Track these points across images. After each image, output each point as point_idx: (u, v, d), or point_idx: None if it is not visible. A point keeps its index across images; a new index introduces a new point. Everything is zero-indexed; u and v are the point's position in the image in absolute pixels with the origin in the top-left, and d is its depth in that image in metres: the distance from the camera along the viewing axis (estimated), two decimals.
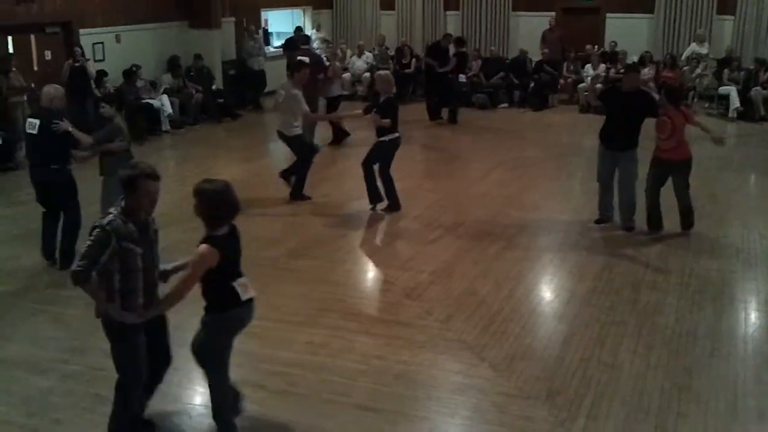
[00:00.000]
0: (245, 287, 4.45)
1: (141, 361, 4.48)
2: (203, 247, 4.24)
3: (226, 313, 4.42)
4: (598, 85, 13.69)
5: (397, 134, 9.39)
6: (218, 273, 4.27)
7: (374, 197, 9.43)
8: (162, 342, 4.69)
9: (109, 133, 7.71)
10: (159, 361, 4.70)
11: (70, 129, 7.35)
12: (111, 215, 4.25)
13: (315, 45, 18.09)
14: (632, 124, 8.22)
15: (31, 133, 7.42)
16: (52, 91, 7.52)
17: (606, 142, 8.49)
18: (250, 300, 4.49)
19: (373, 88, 17.25)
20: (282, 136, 9.90)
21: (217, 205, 4.29)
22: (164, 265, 4.59)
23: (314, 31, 19.31)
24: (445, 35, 16.14)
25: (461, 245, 8.22)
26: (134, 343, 4.41)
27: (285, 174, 10.02)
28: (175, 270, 4.60)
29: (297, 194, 9.82)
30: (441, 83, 15.16)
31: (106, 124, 7.83)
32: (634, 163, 8.36)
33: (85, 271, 4.21)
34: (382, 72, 10.45)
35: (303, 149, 9.88)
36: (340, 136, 13.23)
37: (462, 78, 15.99)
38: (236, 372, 5.02)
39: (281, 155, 12.75)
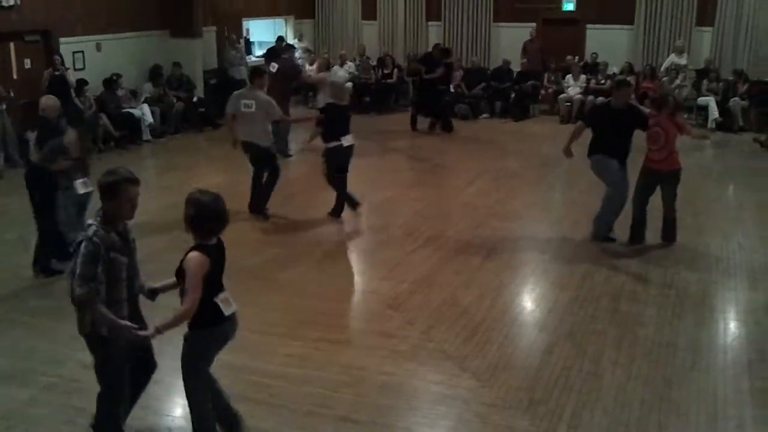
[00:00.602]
0: (227, 302, 4.40)
1: (124, 373, 4.43)
2: (195, 254, 4.19)
3: (209, 329, 4.37)
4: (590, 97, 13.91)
5: (339, 142, 9.24)
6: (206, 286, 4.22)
7: (350, 203, 9.43)
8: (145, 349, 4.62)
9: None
10: (142, 369, 4.64)
11: None
12: (93, 226, 4.17)
13: (297, 54, 18.13)
14: (625, 139, 8.24)
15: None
16: (43, 101, 7.66)
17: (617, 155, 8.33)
18: (233, 314, 4.45)
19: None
20: (253, 148, 9.41)
21: (209, 217, 4.24)
22: (151, 284, 4.53)
23: (296, 40, 19.30)
24: (436, 45, 16.11)
25: (443, 255, 8.23)
26: (117, 354, 4.33)
27: (257, 205, 9.62)
28: (164, 289, 4.50)
29: (261, 208, 9.52)
30: (430, 93, 15.17)
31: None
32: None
33: (90, 292, 4.10)
34: (336, 80, 10.30)
35: (274, 161, 9.58)
36: None
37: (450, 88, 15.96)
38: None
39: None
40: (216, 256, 4.31)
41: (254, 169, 9.59)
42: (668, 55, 16.85)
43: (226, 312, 4.37)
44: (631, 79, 15.49)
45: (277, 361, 5.85)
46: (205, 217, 4.23)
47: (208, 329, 4.36)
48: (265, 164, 9.54)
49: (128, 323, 4.23)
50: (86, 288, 4.08)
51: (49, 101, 7.66)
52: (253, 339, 6.14)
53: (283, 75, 12.88)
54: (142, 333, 4.22)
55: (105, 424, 4.53)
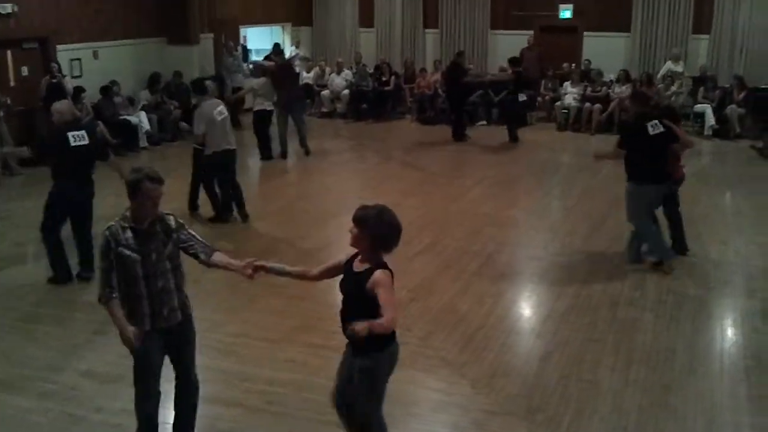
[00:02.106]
0: None
1: (148, 367, 4.42)
2: (386, 273, 3.99)
3: (386, 350, 4.12)
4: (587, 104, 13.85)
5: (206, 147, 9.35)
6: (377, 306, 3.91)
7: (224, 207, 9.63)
8: (183, 366, 4.60)
9: None
10: (181, 390, 4.64)
11: None
12: (112, 222, 4.27)
13: (296, 62, 18.24)
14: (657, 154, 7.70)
15: None
16: (55, 106, 7.60)
17: (649, 177, 7.69)
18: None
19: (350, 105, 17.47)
20: (234, 154, 9.56)
21: (391, 233, 4.07)
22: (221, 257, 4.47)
23: (293, 47, 19.36)
24: (459, 53, 16.04)
25: (441, 262, 8.23)
26: (141, 348, 4.33)
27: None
28: (224, 266, 4.45)
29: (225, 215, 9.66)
30: (462, 101, 15.26)
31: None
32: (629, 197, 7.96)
33: (103, 288, 4.26)
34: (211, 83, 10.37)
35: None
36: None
37: (522, 97, 15.77)
38: (216, 389, 5.01)
39: (257, 172, 12.78)
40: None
41: (225, 175, 9.59)
42: (665, 63, 16.91)
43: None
44: (627, 87, 15.66)
45: (276, 366, 5.84)
46: (383, 229, 4.07)
47: (385, 350, 4.10)
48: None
49: (125, 332, 4.24)
50: (100, 286, 4.29)
51: (55, 107, 7.59)
52: (252, 345, 6.15)
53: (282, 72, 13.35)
54: (133, 341, 4.25)
55: (137, 412, 4.53)
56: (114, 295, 4.27)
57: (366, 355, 4.07)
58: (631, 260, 8.05)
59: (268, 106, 13.11)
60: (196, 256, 4.44)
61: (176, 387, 4.65)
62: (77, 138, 7.36)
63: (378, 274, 3.98)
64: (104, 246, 4.22)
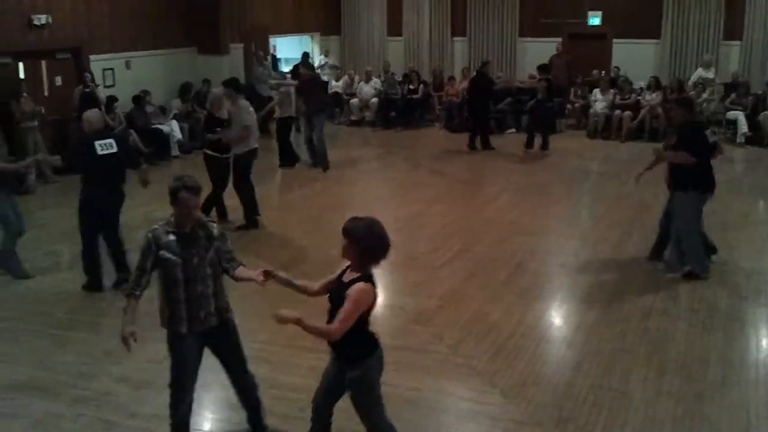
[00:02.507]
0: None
1: (184, 370, 4.55)
2: (366, 286, 4.04)
3: (373, 355, 4.26)
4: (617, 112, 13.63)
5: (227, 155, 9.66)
6: (360, 318, 4.09)
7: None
8: (229, 368, 4.77)
9: None
10: (237, 391, 4.84)
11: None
12: (157, 224, 4.44)
13: (325, 71, 18.41)
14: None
15: None
16: (85, 115, 7.74)
17: (710, 185, 7.74)
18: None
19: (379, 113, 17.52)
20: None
21: (376, 241, 4.11)
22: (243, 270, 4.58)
23: (322, 56, 19.49)
24: (485, 63, 16.02)
25: (470, 270, 8.21)
26: (179, 351, 4.51)
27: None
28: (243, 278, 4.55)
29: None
30: (485, 111, 15.21)
31: None
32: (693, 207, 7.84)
33: (132, 282, 4.48)
34: (215, 91, 10.55)
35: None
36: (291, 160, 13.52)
37: (550, 104, 15.62)
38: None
39: (284, 180, 12.84)
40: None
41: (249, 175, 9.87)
42: (695, 69, 16.75)
43: (378, 340, 4.32)
44: (657, 94, 15.54)
45: (300, 373, 5.85)
46: (377, 247, 4.11)
47: (369, 360, 4.23)
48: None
49: (126, 328, 4.42)
50: (132, 279, 4.49)
51: (85, 116, 7.73)
52: (277, 352, 6.17)
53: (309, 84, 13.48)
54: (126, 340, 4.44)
55: (171, 415, 4.62)
56: (137, 293, 4.45)
57: (353, 364, 4.17)
58: (673, 268, 7.98)
59: (291, 113, 13.36)
60: (226, 271, 4.57)
61: (233, 387, 4.87)
62: (105, 147, 7.45)
63: (356, 286, 4.03)
64: (145, 247, 4.38)
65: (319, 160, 13.19)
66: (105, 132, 7.85)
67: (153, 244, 4.36)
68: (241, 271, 4.57)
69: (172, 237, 4.36)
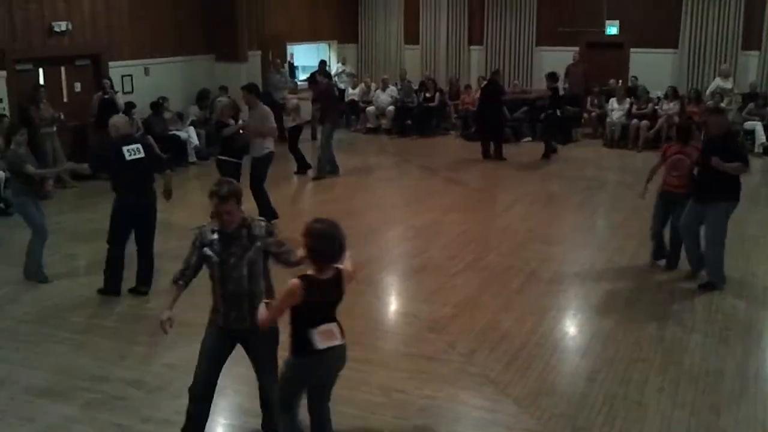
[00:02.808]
0: (325, 335, 4.29)
1: (200, 360, 4.68)
2: (294, 282, 4.18)
3: (297, 359, 4.34)
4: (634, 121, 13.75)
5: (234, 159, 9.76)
6: (297, 316, 4.24)
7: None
8: (258, 374, 4.83)
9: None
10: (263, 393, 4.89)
11: None
12: (207, 222, 4.72)
13: (343, 77, 18.49)
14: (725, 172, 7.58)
15: None
16: (112, 120, 7.77)
17: (739, 194, 7.74)
18: (328, 350, 4.31)
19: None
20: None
21: (321, 243, 4.22)
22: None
23: (340, 64, 19.56)
24: (495, 71, 16.08)
25: (485, 278, 8.19)
26: (204, 338, 4.73)
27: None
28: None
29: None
30: (497, 120, 15.17)
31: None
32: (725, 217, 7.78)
33: (178, 272, 4.69)
34: (222, 100, 10.76)
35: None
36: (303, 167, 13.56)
37: (558, 113, 15.56)
38: (255, 402, 5.03)
39: (305, 185, 12.88)
40: (323, 290, 4.26)
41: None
42: (713, 79, 16.67)
43: (318, 345, 4.25)
44: (675, 103, 15.47)
45: None
46: (324, 249, 4.23)
47: (297, 358, 4.33)
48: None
49: (163, 313, 4.64)
50: (177, 271, 4.69)
51: (112, 121, 7.76)
52: (284, 356, 6.15)
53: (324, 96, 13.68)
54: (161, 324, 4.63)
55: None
56: (180, 282, 4.67)
57: (290, 352, 4.36)
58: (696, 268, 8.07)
59: (299, 121, 13.66)
60: (286, 263, 4.72)
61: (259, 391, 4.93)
62: (132, 152, 7.47)
63: (291, 281, 4.22)
64: (192, 243, 4.66)
65: (320, 168, 13.13)
66: (130, 137, 7.85)
67: (198, 241, 4.60)
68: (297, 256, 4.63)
69: (215, 236, 4.55)
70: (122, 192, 7.53)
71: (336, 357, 4.42)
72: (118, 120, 7.80)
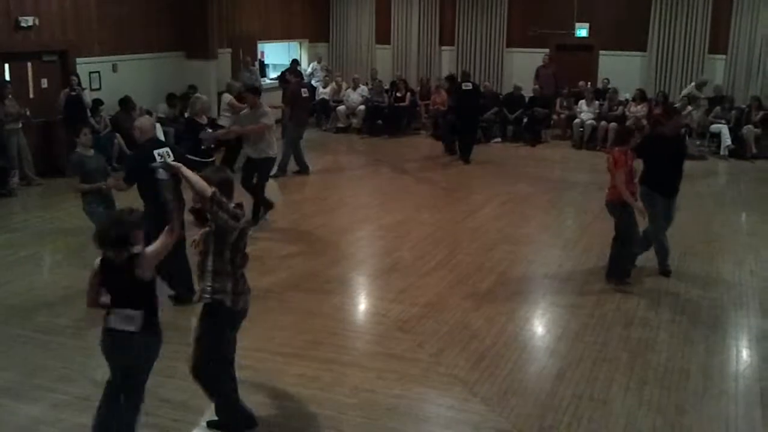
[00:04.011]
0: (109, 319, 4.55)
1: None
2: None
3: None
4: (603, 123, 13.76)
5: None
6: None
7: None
8: None
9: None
10: None
11: None
12: None
13: (320, 74, 18.52)
14: (681, 168, 8.08)
15: None
16: (138, 123, 7.41)
17: (662, 188, 7.99)
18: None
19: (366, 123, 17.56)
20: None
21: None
22: None
23: (315, 63, 19.60)
24: (464, 72, 16.36)
25: (454, 278, 8.22)
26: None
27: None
28: None
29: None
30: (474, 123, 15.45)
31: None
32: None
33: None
34: (201, 97, 10.75)
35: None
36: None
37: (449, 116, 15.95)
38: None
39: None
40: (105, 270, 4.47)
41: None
42: (681, 82, 16.93)
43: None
44: (643, 106, 15.66)
45: (286, 381, 5.85)
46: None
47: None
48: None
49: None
50: None
51: (137, 123, 7.38)
52: (263, 358, 6.15)
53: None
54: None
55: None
56: None
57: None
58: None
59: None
60: None
61: None
62: (163, 156, 6.82)
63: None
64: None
65: (280, 166, 12.83)
66: (159, 141, 7.38)
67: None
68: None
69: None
70: (154, 199, 6.77)
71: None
72: (143, 122, 7.33)
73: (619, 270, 8.00)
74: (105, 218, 4.75)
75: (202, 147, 9.63)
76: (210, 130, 9.67)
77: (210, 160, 9.66)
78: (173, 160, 7.06)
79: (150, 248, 4.50)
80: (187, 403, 5.41)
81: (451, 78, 15.95)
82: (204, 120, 9.91)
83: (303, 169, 13.32)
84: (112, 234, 4.37)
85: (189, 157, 9.54)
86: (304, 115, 13.77)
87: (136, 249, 4.43)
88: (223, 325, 4.85)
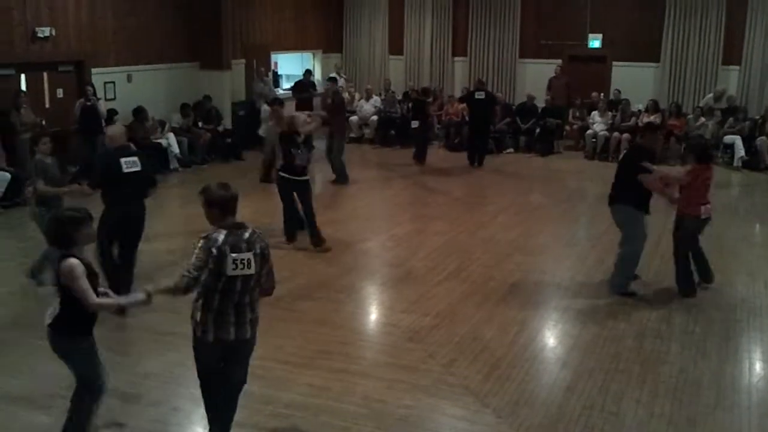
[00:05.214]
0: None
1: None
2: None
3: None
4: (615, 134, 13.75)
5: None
6: None
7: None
8: None
9: None
10: None
11: None
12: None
13: (341, 84, 18.71)
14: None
15: None
16: (108, 131, 7.76)
17: (647, 207, 7.98)
18: None
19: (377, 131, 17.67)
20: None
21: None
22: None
23: (335, 74, 19.61)
24: (478, 80, 16.59)
25: (466, 289, 8.21)
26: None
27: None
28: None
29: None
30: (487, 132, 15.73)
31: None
32: None
33: None
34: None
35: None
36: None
37: (414, 123, 16.19)
38: (237, 413, 5.00)
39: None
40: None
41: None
42: (695, 94, 16.90)
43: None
44: (656, 117, 15.60)
45: (296, 390, 5.85)
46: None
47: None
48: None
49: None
50: None
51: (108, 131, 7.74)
52: (273, 368, 6.16)
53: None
54: None
55: None
56: None
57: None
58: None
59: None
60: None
61: None
62: (130, 164, 7.14)
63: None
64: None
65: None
66: (129, 149, 7.53)
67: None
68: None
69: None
70: (115, 205, 7.17)
71: None
72: (114, 130, 7.58)
73: (687, 281, 8.01)
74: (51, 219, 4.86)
75: (296, 163, 9.40)
76: (301, 150, 9.40)
77: (305, 178, 9.54)
78: (141, 170, 7.21)
79: (65, 263, 4.53)
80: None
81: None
82: (301, 137, 9.53)
83: (342, 179, 13.50)
84: (53, 233, 4.66)
85: (282, 174, 9.47)
86: (345, 123, 13.88)
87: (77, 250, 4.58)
88: (197, 354, 4.76)
